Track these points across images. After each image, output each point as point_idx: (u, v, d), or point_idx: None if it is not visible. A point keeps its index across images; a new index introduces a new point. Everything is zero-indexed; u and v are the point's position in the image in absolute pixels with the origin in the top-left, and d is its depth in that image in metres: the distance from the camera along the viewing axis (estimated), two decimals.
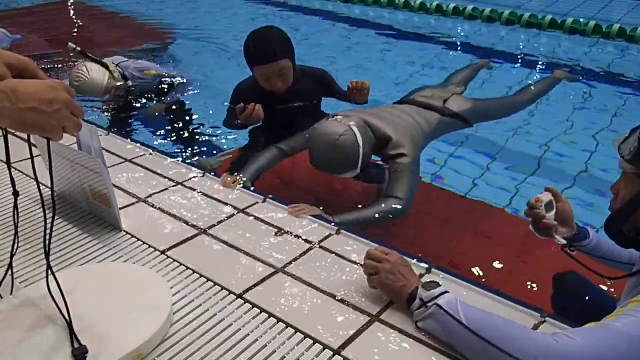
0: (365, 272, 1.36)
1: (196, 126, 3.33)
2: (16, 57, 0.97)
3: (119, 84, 3.22)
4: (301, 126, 2.38)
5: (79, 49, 3.13)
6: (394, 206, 2.00)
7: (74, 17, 6.33)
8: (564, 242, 1.40)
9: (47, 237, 1.09)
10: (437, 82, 3.23)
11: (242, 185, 1.97)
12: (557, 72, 3.76)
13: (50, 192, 1.09)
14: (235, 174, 2.09)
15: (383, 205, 2.00)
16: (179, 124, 3.31)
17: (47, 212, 1.16)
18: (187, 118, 3.38)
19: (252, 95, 2.47)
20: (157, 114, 3.36)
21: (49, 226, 1.08)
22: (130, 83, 3.30)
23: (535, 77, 3.54)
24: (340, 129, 2.05)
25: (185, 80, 3.60)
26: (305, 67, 2.59)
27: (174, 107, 3.44)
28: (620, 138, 1.13)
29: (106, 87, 3.15)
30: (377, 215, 1.97)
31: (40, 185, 1.12)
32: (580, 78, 4.06)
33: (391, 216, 2.00)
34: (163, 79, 3.51)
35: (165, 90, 3.48)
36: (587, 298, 1.51)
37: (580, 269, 1.35)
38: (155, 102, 3.42)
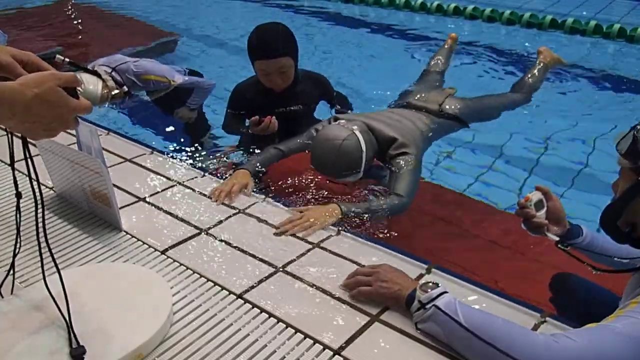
0: (353, 287, 1.37)
1: (199, 126, 3.32)
2: (19, 51, 0.98)
3: (114, 92, 3.19)
4: (296, 130, 2.37)
5: (67, 59, 3.08)
6: (395, 203, 2.01)
7: (73, 17, 6.32)
8: (556, 239, 1.41)
9: (42, 236, 1.09)
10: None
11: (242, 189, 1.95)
12: (542, 49, 3.58)
13: (50, 192, 1.09)
14: (235, 171, 2.07)
15: (385, 201, 2.01)
16: (181, 125, 3.30)
17: (44, 212, 1.16)
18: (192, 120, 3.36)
19: (252, 96, 2.46)
20: (188, 120, 3.30)
21: (46, 225, 1.08)
22: (126, 88, 3.24)
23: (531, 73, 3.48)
24: (344, 133, 2.06)
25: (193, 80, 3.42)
26: (307, 71, 2.58)
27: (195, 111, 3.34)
28: (620, 134, 1.15)
29: (101, 96, 3.13)
30: (378, 210, 1.97)
31: (41, 184, 1.12)
32: (567, 64, 3.98)
33: (391, 212, 2.01)
34: (172, 84, 3.32)
35: (181, 93, 3.34)
36: (587, 298, 1.51)
37: (578, 267, 1.35)
38: (180, 108, 3.31)
